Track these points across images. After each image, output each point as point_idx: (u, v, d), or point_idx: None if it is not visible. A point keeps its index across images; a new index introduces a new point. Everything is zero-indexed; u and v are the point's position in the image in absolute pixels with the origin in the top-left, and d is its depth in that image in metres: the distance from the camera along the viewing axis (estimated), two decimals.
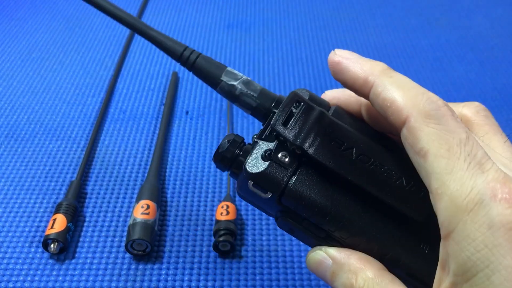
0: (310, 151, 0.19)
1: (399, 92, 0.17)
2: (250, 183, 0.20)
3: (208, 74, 0.24)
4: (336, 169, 0.19)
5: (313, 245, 0.21)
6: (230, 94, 0.24)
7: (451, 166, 0.15)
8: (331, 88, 0.53)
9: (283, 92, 0.53)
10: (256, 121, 0.49)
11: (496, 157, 0.16)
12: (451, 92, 0.53)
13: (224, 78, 0.24)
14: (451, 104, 0.19)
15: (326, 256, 0.20)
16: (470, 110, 0.20)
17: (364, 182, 0.18)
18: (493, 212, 0.13)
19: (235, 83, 0.24)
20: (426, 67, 0.57)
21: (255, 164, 0.20)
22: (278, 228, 0.38)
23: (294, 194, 0.19)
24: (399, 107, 0.17)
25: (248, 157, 0.20)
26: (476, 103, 0.20)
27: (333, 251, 0.19)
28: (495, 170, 0.15)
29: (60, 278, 0.34)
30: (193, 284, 0.34)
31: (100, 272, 0.35)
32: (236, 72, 0.24)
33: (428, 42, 0.61)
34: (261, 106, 0.23)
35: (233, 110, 0.50)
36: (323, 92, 0.24)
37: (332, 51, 0.20)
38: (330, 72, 0.20)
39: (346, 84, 0.20)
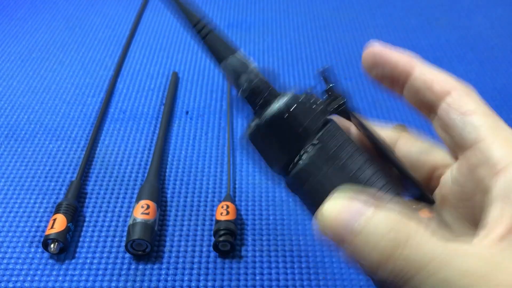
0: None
1: (439, 73, 0.19)
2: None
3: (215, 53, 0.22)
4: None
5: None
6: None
7: (496, 123, 0.16)
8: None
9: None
10: None
11: None
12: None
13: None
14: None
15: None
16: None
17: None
18: None
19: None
20: None
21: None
22: (278, 228, 0.38)
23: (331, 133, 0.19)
24: (443, 81, 0.19)
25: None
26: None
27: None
28: None
29: (60, 278, 0.34)
30: (193, 284, 0.34)
31: (100, 272, 0.35)
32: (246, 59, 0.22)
33: (428, 42, 0.61)
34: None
35: (233, 110, 0.50)
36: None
37: (369, 45, 0.21)
38: (367, 65, 0.21)
39: (385, 72, 0.20)
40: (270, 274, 0.35)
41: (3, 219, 0.39)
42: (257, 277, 0.35)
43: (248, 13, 0.68)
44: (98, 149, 0.45)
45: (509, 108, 0.50)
